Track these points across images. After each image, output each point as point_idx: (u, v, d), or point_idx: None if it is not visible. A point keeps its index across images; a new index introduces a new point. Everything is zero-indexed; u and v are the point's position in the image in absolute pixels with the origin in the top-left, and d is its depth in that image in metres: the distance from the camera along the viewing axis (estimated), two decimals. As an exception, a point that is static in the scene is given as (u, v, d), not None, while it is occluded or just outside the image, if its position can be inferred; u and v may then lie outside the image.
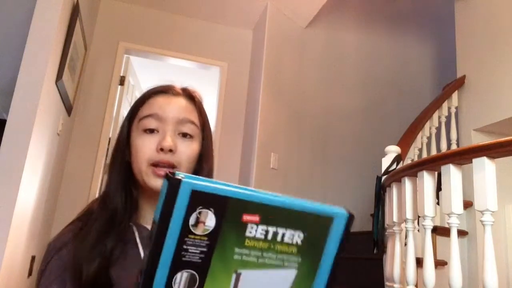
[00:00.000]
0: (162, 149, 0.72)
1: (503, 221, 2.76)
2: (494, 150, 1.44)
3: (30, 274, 2.30)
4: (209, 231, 0.42)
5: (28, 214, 2.12)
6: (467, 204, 2.29)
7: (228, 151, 3.50)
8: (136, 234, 0.75)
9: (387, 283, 2.02)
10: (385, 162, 2.26)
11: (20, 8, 2.47)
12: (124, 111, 3.47)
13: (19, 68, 1.97)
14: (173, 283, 0.43)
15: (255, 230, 0.44)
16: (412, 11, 4.23)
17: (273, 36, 3.41)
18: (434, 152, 2.93)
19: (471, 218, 2.66)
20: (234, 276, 0.44)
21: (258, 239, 0.44)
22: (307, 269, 0.47)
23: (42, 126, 2.08)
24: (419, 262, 1.84)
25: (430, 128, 2.97)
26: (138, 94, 4.21)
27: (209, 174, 0.79)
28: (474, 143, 2.40)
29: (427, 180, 1.73)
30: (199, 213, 0.42)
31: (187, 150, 0.75)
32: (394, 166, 2.20)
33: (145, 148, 0.73)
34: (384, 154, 2.30)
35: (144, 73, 4.30)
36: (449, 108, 3.08)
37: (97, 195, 2.81)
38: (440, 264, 2.24)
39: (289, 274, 0.46)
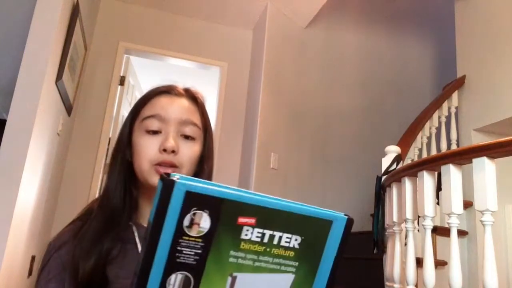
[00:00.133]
0: (165, 150, 0.73)
1: (503, 221, 2.76)
2: (494, 150, 1.44)
3: (30, 274, 2.30)
4: (203, 233, 0.42)
5: (28, 214, 2.12)
6: (467, 204, 2.29)
7: (228, 151, 3.50)
8: (136, 233, 0.75)
9: (387, 283, 2.02)
10: (385, 162, 2.26)
11: (20, 8, 2.47)
12: (124, 111, 3.47)
13: (19, 68, 1.97)
14: (167, 284, 0.43)
15: (251, 233, 0.43)
16: (412, 11, 4.23)
17: (273, 36, 3.41)
18: (434, 152, 2.93)
19: (471, 218, 2.66)
20: (229, 279, 0.44)
21: (254, 242, 0.44)
22: (305, 273, 0.46)
23: (42, 126, 2.08)
24: (419, 262, 1.84)
25: (430, 128, 2.97)
26: (138, 94, 4.21)
27: (209, 175, 0.80)
28: (474, 143, 2.40)
29: (427, 180, 1.73)
30: (194, 214, 0.41)
31: (189, 152, 0.75)
32: (394, 166, 2.20)
33: (147, 149, 0.74)
34: (384, 154, 2.30)
35: (144, 73, 4.30)
36: (449, 108, 3.08)
37: (97, 195, 2.81)
38: (440, 264, 2.24)
39: (286, 278, 0.46)
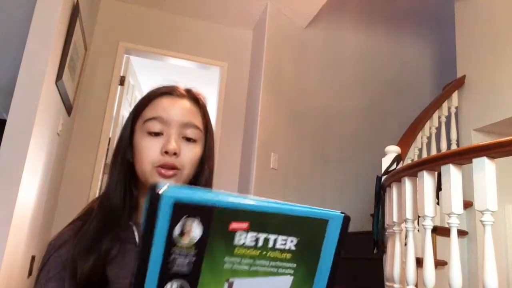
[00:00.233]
0: (166, 152, 0.73)
1: (503, 221, 2.76)
2: (494, 150, 1.44)
3: (30, 274, 2.30)
4: (196, 241, 0.42)
5: (28, 214, 2.12)
6: (467, 204, 2.29)
7: (228, 151, 3.50)
8: (136, 233, 0.75)
9: (387, 283, 2.02)
10: (385, 162, 2.26)
11: (20, 8, 2.47)
12: (124, 111, 3.47)
13: (19, 68, 1.97)
14: None
15: (245, 238, 0.43)
16: (412, 11, 4.23)
17: (273, 36, 3.41)
18: (434, 152, 2.93)
19: (471, 218, 2.66)
20: (226, 285, 0.44)
21: (248, 247, 0.43)
22: (304, 275, 0.46)
23: (42, 126, 2.08)
24: (419, 262, 1.84)
25: (430, 128, 2.97)
26: (138, 94, 4.20)
27: (210, 175, 0.81)
28: (474, 143, 2.40)
29: (427, 180, 1.73)
30: (184, 223, 0.41)
31: (190, 154, 0.76)
32: (394, 166, 2.20)
33: (149, 151, 0.74)
34: (384, 154, 2.30)
35: (144, 73, 4.30)
36: (449, 108, 3.08)
37: (97, 195, 2.80)
38: (440, 264, 2.24)
39: (285, 281, 0.46)
